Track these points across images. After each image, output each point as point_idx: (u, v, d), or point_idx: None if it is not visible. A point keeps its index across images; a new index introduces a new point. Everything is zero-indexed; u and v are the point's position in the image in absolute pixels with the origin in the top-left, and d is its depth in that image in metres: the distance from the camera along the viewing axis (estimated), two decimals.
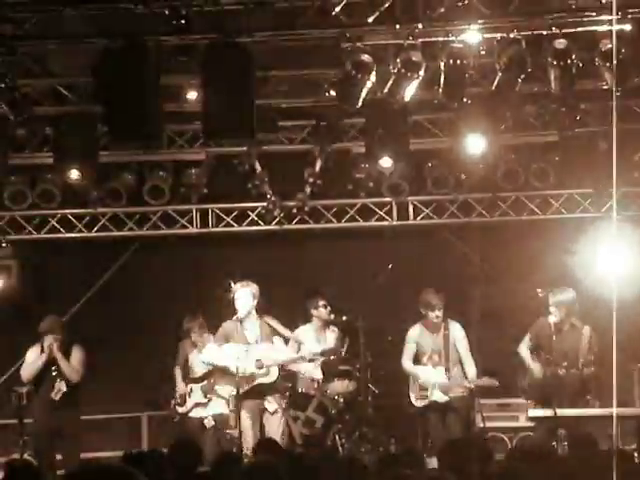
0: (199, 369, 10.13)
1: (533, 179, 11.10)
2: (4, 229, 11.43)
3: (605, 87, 8.95)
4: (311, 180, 11.29)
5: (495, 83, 8.70)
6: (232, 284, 9.58)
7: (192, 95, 9.75)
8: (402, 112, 9.72)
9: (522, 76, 8.53)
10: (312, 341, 10.33)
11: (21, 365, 9.89)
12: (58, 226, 11.49)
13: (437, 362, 9.82)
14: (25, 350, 9.81)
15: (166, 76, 8.91)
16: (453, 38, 8.43)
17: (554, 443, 8.55)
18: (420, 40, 8.44)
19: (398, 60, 8.50)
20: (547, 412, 8.99)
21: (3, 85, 8.56)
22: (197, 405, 10.16)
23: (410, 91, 8.76)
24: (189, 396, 10.19)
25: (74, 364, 9.62)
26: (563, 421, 8.84)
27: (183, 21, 8.24)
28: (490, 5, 8.39)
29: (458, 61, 8.44)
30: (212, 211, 11.63)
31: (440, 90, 8.74)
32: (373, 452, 9.78)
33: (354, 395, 10.28)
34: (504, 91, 8.80)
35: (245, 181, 11.33)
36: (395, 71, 8.58)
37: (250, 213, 11.61)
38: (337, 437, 9.82)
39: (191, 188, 11.43)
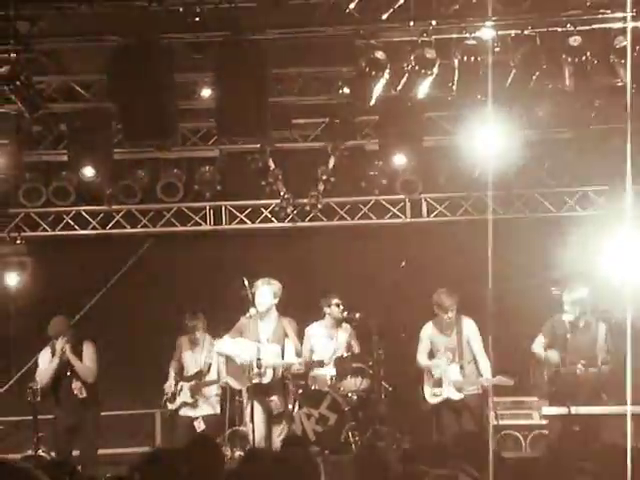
0: (192, 368, 10.10)
1: (547, 176, 11.07)
2: (19, 226, 11.48)
3: (620, 84, 8.92)
4: (324, 177, 11.30)
5: (509, 80, 8.67)
6: (246, 281, 9.60)
7: (206, 92, 9.76)
8: (416, 109, 9.72)
9: (536, 73, 8.51)
10: (324, 338, 10.35)
11: (36, 362, 9.93)
12: (72, 223, 11.55)
13: (451, 359, 9.81)
14: (40, 347, 9.85)
15: (180, 74, 8.93)
16: (467, 35, 8.42)
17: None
18: (434, 37, 8.43)
19: (412, 57, 8.50)
20: (561, 410, 8.97)
21: (18, 82, 8.58)
22: (185, 404, 10.10)
23: (424, 88, 8.75)
24: (178, 394, 10.12)
25: (87, 363, 9.65)
26: (577, 419, 8.82)
27: (197, 19, 8.25)
28: (504, 2, 8.38)
29: (472, 58, 8.43)
30: (225, 208, 11.65)
31: (454, 87, 8.73)
32: (387, 449, 9.77)
33: (367, 392, 10.28)
34: (518, 88, 8.77)
35: (258, 178, 11.34)
36: (409, 68, 8.57)
37: (263, 210, 11.63)
38: (350, 434, 9.82)
39: (205, 185, 11.45)
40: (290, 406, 9.79)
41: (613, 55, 8.39)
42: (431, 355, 9.97)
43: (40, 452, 9.48)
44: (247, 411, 9.42)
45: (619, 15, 8.19)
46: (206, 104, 9.78)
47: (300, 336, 9.96)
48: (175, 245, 11.71)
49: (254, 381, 9.41)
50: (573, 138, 10.68)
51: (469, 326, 9.86)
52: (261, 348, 9.44)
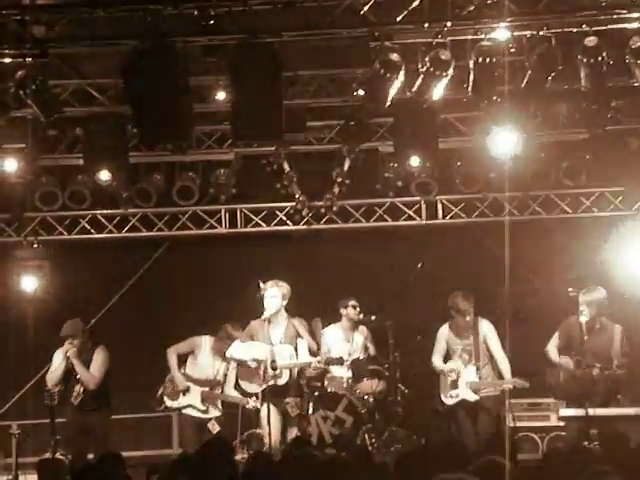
0: (206, 372, 9.93)
1: (564, 177, 11.03)
2: (36, 230, 11.52)
3: (636, 84, 8.88)
4: (339, 180, 11.28)
5: (525, 81, 8.65)
6: (261, 284, 9.60)
7: (221, 96, 9.78)
8: (431, 111, 9.70)
9: (552, 74, 8.49)
10: (340, 341, 10.35)
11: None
12: (88, 227, 11.58)
13: (467, 361, 9.79)
14: (56, 350, 9.89)
15: (195, 77, 8.95)
16: (482, 36, 8.41)
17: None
18: (449, 38, 8.42)
19: (427, 59, 8.49)
20: (578, 412, 8.93)
21: (34, 86, 8.62)
22: (191, 407, 9.94)
23: (439, 90, 8.74)
24: (184, 394, 9.94)
25: (92, 370, 9.61)
26: (594, 420, 8.78)
27: (212, 22, 8.27)
28: (519, 3, 8.36)
29: (487, 59, 8.41)
30: (241, 211, 11.66)
31: (469, 89, 8.71)
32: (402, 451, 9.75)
33: (384, 395, 10.27)
34: (534, 89, 8.75)
35: (274, 181, 11.34)
36: (424, 70, 8.56)
37: (279, 213, 11.63)
38: (367, 437, 9.80)
39: (220, 188, 11.46)
40: (305, 408, 9.77)
41: (629, 55, 8.36)
42: (447, 356, 9.94)
43: (58, 455, 9.51)
44: (262, 414, 9.41)
45: (635, 15, 8.17)
46: (221, 107, 9.80)
47: (312, 336, 9.91)
48: (190, 248, 11.73)
49: (270, 383, 9.41)
50: (589, 139, 10.64)
51: (486, 327, 9.83)
52: (275, 350, 9.44)
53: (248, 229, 11.64)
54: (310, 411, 9.78)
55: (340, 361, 9.85)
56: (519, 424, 9.99)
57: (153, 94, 8.29)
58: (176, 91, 8.32)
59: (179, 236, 11.68)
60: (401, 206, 11.55)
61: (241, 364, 9.66)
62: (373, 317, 10.41)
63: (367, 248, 11.59)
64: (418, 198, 11.42)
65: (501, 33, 8.38)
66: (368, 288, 10.86)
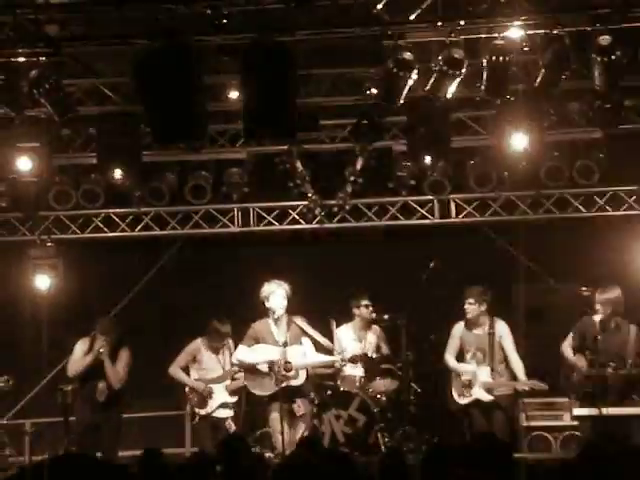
0: (216, 371, 9.91)
1: (577, 176, 11.01)
2: (49, 229, 11.56)
3: None
4: (352, 178, 11.28)
5: (538, 80, 8.62)
6: (265, 284, 9.58)
7: (233, 94, 9.79)
8: (444, 110, 9.68)
9: (566, 73, 8.46)
10: (352, 340, 10.34)
11: (66, 364, 9.99)
12: (102, 225, 11.61)
13: (481, 360, 9.76)
14: (69, 349, 9.92)
15: (208, 75, 8.94)
16: (496, 35, 8.38)
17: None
18: (462, 37, 8.39)
19: (440, 57, 8.47)
20: (592, 411, 8.90)
21: (48, 85, 8.64)
22: (222, 405, 9.90)
23: (452, 88, 8.72)
24: (209, 397, 9.88)
25: (119, 370, 9.67)
26: (608, 420, 8.75)
27: (225, 21, 8.26)
28: (533, 1, 8.33)
29: (501, 58, 8.38)
30: (253, 210, 11.66)
31: (482, 87, 8.69)
32: (416, 450, 9.74)
33: (396, 393, 10.26)
34: (547, 88, 8.72)
35: (286, 180, 11.34)
36: (437, 68, 8.54)
37: (291, 212, 11.63)
38: (379, 436, 9.79)
39: (232, 187, 11.48)
40: (316, 408, 9.75)
41: None
42: (460, 355, 9.91)
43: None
44: (273, 415, 9.37)
45: None
46: (234, 106, 9.80)
47: (327, 336, 9.89)
48: (203, 247, 11.74)
49: (283, 384, 9.37)
50: (603, 138, 10.60)
51: (501, 327, 9.80)
52: (287, 350, 9.41)
53: (260, 228, 11.65)
54: (322, 410, 9.76)
55: (362, 359, 9.84)
56: (532, 423, 9.95)
57: (166, 93, 8.29)
58: (189, 90, 8.31)
59: (192, 235, 11.70)
60: (414, 205, 11.53)
61: (250, 370, 9.56)
62: (386, 316, 10.40)
63: (380, 247, 11.58)
64: (431, 197, 11.40)
65: (514, 32, 8.35)
66: (381, 287, 10.84)
